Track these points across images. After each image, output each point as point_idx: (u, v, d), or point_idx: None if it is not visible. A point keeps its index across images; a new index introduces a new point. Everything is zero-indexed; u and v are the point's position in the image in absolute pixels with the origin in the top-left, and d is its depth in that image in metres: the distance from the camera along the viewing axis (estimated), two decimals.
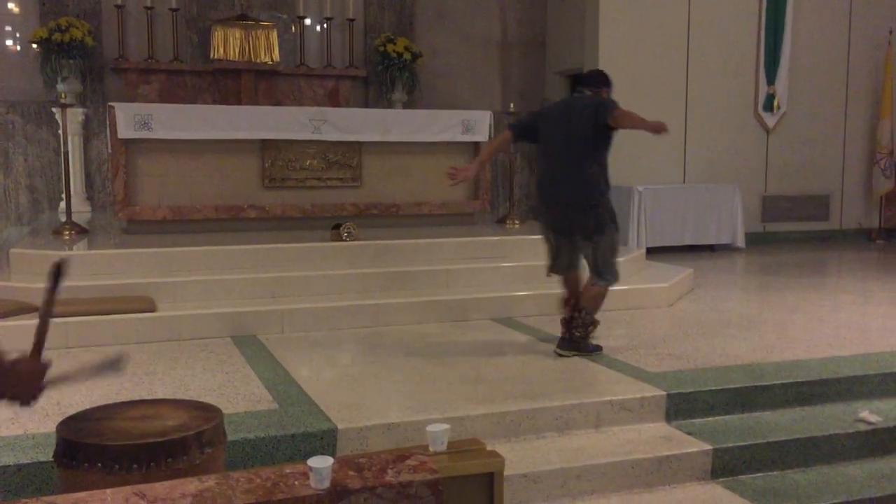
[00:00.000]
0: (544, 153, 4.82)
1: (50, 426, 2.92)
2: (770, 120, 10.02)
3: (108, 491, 1.79)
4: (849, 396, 4.34)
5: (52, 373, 2.05)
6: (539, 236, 5.06)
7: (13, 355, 1.96)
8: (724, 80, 9.74)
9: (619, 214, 9.18)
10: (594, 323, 4.75)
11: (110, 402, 2.72)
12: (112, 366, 2.25)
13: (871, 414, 4.11)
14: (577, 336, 4.69)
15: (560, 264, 4.84)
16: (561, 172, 4.64)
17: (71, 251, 5.91)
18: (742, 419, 4.07)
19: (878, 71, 10.45)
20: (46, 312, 2.15)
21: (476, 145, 7.59)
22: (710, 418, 4.04)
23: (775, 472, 3.80)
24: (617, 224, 4.74)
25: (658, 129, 4.30)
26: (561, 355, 4.67)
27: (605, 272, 4.68)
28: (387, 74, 9.67)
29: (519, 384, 4.15)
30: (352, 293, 5.71)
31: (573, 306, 4.78)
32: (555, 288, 6.05)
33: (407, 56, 9.62)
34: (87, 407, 2.61)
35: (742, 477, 3.74)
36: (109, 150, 6.80)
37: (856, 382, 4.38)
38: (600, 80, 4.85)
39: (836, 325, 5.59)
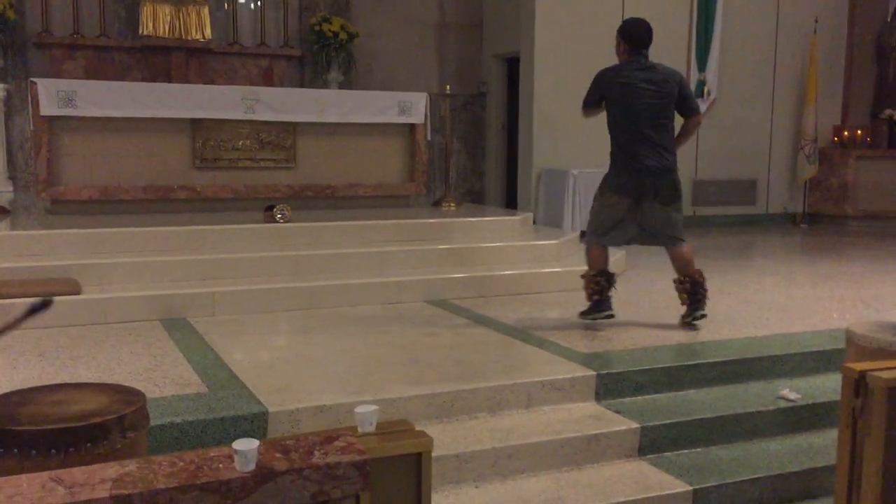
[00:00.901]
0: (625, 119, 4.90)
1: None
2: (700, 106, 10.19)
3: (24, 477, 1.74)
4: (770, 375, 4.48)
5: None
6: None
7: None
8: None
9: (553, 198, 9.36)
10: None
11: (30, 386, 2.64)
12: (38, 309, 2.16)
13: (791, 392, 4.26)
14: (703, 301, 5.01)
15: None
16: (647, 140, 4.84)
17: None
18: (669, 398, 4.17)
19: (803, 59, 10.73)
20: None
21: (412, 127, 7.56)
22: (639, 397, 4.13)
23: (699, 449, 3.91)
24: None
25: None
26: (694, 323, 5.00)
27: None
28: (322, 54, 9.54)
29: (452, 366, 4.17)
30: (285, 275, 5.65)
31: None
32: (486, 271, 6.10)
33: (343, 36, 9.51)
34: (5, 391, 2.52)
35: (668, 454, 3.84)
36: (32, 128, 6.56)
37: (777, 361, 4.52)
38: (651, 38, 5.02)
39: (760, 306, 5.76)
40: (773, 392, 4.30)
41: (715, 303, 5.83)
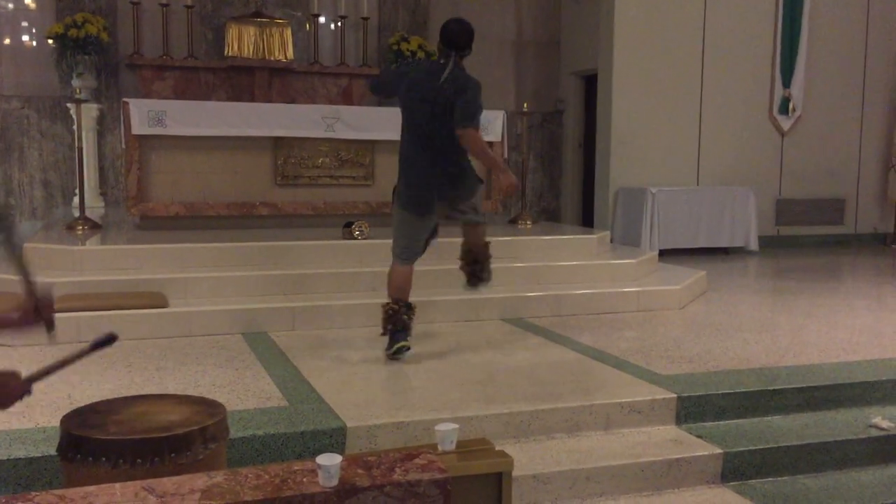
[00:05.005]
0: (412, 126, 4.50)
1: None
2: (785, 123, 9.96)
3: (118, 485, 1.79)
4: (861, 402, 4.30)
5: (47, 362, 2.06)
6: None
7: None
8: (740, 81, 9.69)
9: (631, 216, 9.26)
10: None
11: (119, 396, 2.73)
12: (104, 343, 2.22)
13: (883, 420, 4.08)
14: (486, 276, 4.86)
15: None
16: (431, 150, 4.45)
17: (84, 246, 5.93)
18: (753, 423, 4.04)
19: (895, 75, 10.36)
20: (61, 365, 2.14)
21: (489, 145, 7.56)
22: (721, 422, 4.02)
23: (786, 477, 3.78)
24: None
25: (509, 186, 4.55)
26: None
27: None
28: None
29: (529, 385, 4.14)
30: (363, 291, 5.70)
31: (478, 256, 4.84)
32: (562, 289, 6.04)
33: (421, 55, 9.61)
34: (96, 400, 2.61)
35: (752, 481, 3.72)
36: (123, 146, 6.82)
37: (869, 388, 4.34)
38: (471, 41, 4.48)
39: (849, 330, 5.54)
40: (864, 420, 4.12)
41: (801, 326, 5.65)
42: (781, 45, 9.81)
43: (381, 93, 4.89)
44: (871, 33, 10.26)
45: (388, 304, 4.55)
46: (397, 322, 4.50)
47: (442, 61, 4.44)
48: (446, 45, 4.44)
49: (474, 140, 4.40)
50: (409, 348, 4.53)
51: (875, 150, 10.49)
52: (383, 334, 4.55)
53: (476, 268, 4.87)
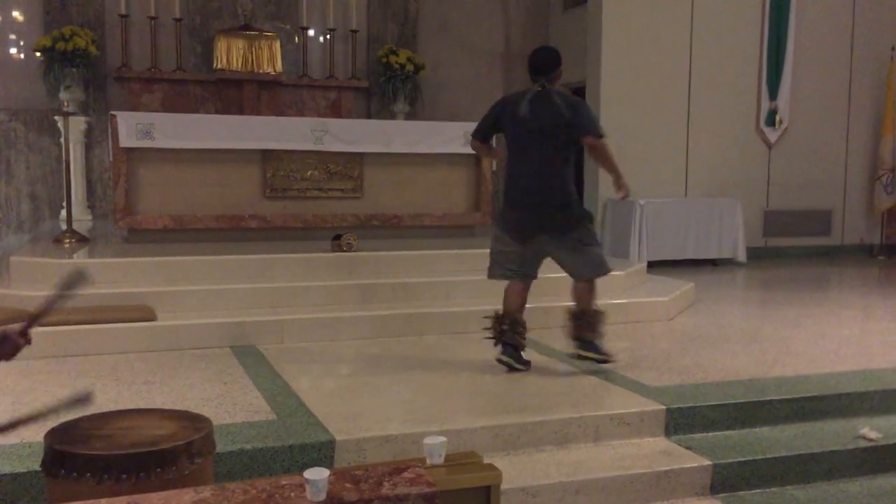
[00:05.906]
0: (516, 153, 4.62)
1: None
2: (772, 135, 10.03)
3: (103, 501, 1.78)
4: (849, 413, 4.32)
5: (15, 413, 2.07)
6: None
7: None
8: (727, 94, 9.76)
9: (619, 228, 9.26)
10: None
11: (106, 410, 2.71)
12: (78, 401, 2.23)
13: (871, 431, 4.09)
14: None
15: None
16: (536, 174, 4.53)
17: (71, 259, 5.90)
18: (742, 434, 4.05)
19: (880, 87, 10.45)
20: (31, 418, 2.15)
21: (478, 157, 7.58)
22: (710, 433, 4.02)
23: (774, 489, 3.78)
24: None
25: (623, 190, 4.71)
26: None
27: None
28: (389, 86, 9.69)
29: (518, 397, 4.13)
30: (352, 304, 5.70)
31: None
32: (555, 301, 6.05)
33: (410, 67, 9.64)
34: (81, 415, 2.59)
35: (741, 493, 3.72)
36: (111, 159, 6.80)
37: (856, 399, 4.36)
38: (556, 64, 4.68)
39: (837, 340, 5.57)
40: (852, 431, 4.14)
41: (789, 337, 5.67)
42: (768, 57, 9.89)
43: (483, 138, 4.94)
44: (857, 45, 10.36)
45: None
46: (503, 335, 4.66)
47: (538, 89, 4.61)
48: (533, 72, 4.65)
49: (604, 148, 4.61)
50: (511, 367, 4.60)
51: (861, 162, 10.57)
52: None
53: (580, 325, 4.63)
